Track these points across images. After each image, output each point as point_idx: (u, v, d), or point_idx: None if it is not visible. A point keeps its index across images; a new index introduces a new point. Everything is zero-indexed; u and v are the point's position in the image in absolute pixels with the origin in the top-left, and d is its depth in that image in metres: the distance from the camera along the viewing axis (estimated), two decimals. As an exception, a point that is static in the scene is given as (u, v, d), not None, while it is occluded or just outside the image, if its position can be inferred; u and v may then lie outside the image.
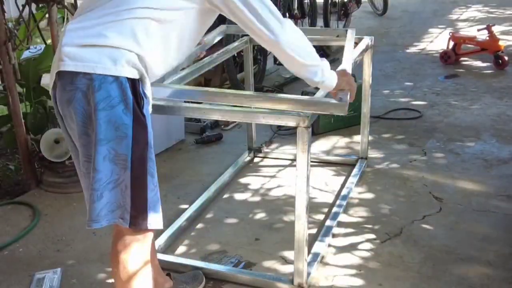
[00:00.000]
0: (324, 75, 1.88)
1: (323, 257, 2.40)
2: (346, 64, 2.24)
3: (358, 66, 2.77)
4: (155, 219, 1.71)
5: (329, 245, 2.49)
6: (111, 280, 2.33)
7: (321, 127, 3.79)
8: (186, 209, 2.83)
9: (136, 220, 1.67)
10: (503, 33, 6.28)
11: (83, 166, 1.69)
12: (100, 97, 1.57)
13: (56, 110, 1.72)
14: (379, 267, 2.33)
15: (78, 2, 3.17)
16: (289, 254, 2.42)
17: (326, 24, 6.04)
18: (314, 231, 2.60)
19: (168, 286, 2.17)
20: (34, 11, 3.20)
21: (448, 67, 5.26)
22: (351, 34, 2.82)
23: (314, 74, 1.85)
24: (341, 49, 2.62)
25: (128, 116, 1.60)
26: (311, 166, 3.28)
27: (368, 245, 2.49)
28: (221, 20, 2.10)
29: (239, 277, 2.27)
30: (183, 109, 2.14)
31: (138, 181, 1.65)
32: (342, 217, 2.73)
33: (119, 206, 1.66)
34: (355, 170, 3.17)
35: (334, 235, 2.57)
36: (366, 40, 2.94)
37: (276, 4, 5.04)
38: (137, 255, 1.74)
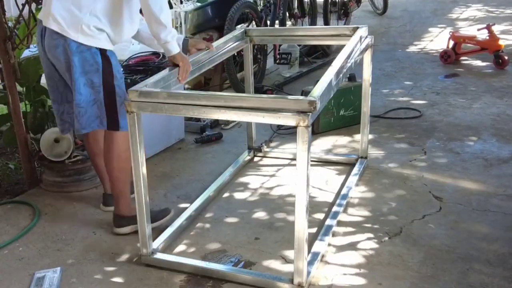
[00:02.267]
0: (168, 38, 2.37)
1: (323, 256, 2.40)
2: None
3: (358, 65, 2.77)
4: (125, 124, 2.37)
5: (329, 244, 2.49)
6: (110, 279, 2.34)
7: (321, 126, 3.79)
8: (186, 208, 2.83)
9: (112, 125, 2.46)
10: (503, 32, 6.28)
11: (64, 89, 2.54)
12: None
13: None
14: (379, 266, 2.33)
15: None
16: (289, 253, 2.42)
17: (326, 23, 6.03)
18: (314, 230, 2.60)
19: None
20: (34, 10, 3.20)
21: (448, 67, 5.26)
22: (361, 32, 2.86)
23: (162, 31, 2.35)
24: (341, 48, 2.62)
25: (98, 56, 2.37)
26: (311, 165, 3.29)
27: (368, 244, 2.49)
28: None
29: (239, 277, 2.27)
30: (183, 109, 2.15)
31: (110, 99, 2.43)
32: (342, 216, 2.73)
33: (98, 117, 2.45)
34: (355, 170, 3.17)
35: (334, 234, 2.57)
36: (366, 38, 2.95)
37: (276, 4, 5.05)
38: (122, 144, 2.50)
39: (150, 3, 2.29)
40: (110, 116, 2.46)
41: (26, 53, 3.91)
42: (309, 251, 2.31)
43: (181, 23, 6.96)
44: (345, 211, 2.78)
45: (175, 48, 2.42)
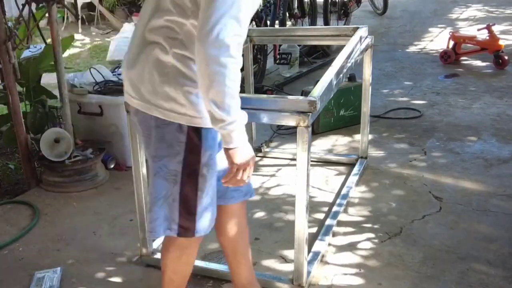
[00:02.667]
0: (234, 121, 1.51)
1: (323, 256, 2.40)
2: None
3: (358, 65, 2.77)
4: (202, 228, 1.75)
5: (329, 244, 2.49)
6: (110, 279, 2.34)
7: (321, 126, 3.79)
8: (186, 208, 2.83)
9: (184, 230, 1.73)
10: (503, 32, 6.28)
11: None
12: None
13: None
14: (379, 266, 2.33)
15: (78, 2, 3.16)
16: (289, 253, 2.42)
17: (326, 23, 6.04)
18: (314, 230, 2.60)
19: None
20: (34, 11, 3.19)
21: (448, 67, 5.26)
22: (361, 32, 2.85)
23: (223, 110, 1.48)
24: (341, 48, 2.61)
25: (183, 134, 1.61)
26: (311, 165, 3.29)
27: (368, 244, 2.49)
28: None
29: (239, 276, 2.27)
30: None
31: (188, 196, 1.68)
32: (342, 216, 2.73)
33: (167, 219, 1.72)
34: (355, 170, 3.17)
35: (334, 234, 2.57)
36: (366, 38, 2.94)
37: (276, 4, 5.05)
38: (183, 258, 1.86)
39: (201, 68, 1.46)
40: (186, 217, 1.71)
41: (26, 53, 3.92)
42: (309, 251, 2.31)
43: (181, 23, 6.95)
44: (345, 211, 2.78)
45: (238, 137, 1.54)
